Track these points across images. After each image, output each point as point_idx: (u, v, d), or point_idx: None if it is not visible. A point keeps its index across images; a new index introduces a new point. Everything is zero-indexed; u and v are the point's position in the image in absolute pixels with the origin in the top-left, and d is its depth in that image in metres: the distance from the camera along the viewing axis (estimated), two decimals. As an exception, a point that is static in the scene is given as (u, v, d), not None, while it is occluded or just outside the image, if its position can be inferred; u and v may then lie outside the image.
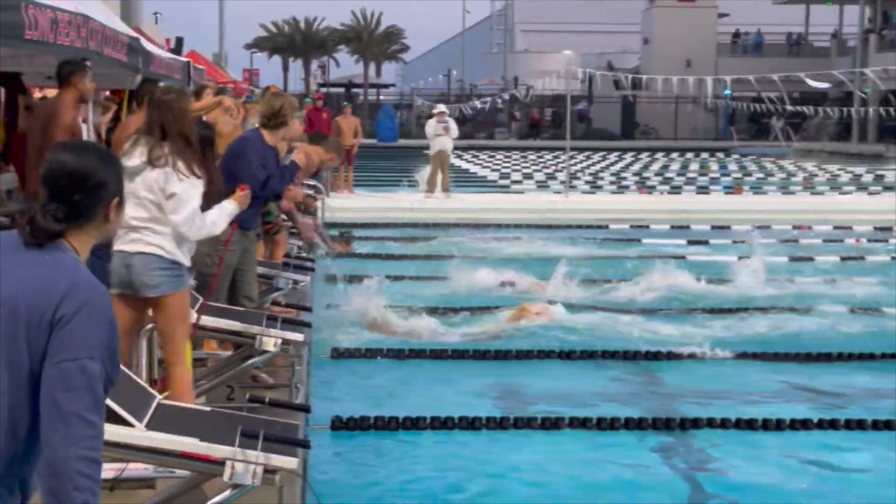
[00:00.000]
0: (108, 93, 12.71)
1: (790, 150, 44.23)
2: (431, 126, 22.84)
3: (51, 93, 13.68)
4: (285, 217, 10.69)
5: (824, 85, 36.55)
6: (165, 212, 5.73)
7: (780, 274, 14.67)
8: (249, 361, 6.93)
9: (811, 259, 16.39)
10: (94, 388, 2.77)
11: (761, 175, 33.26)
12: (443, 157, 22.64)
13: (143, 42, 11.13)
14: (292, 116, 8.43)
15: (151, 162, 5.72)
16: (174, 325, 5.87)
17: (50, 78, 12.15)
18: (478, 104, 48.34)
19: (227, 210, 6.08)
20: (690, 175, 32.98)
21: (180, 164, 5.73)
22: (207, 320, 6.82)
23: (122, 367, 4.80)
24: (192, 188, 5.73)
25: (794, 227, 19.97)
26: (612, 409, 8.31)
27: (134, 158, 5.80)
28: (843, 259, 16.51)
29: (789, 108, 38.61)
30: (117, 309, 5.85)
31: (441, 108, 24.14)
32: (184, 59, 15.69)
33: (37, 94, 12.34)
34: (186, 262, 5.87)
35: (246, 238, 7.72)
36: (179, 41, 26.22)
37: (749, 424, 8.00)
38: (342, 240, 16.64)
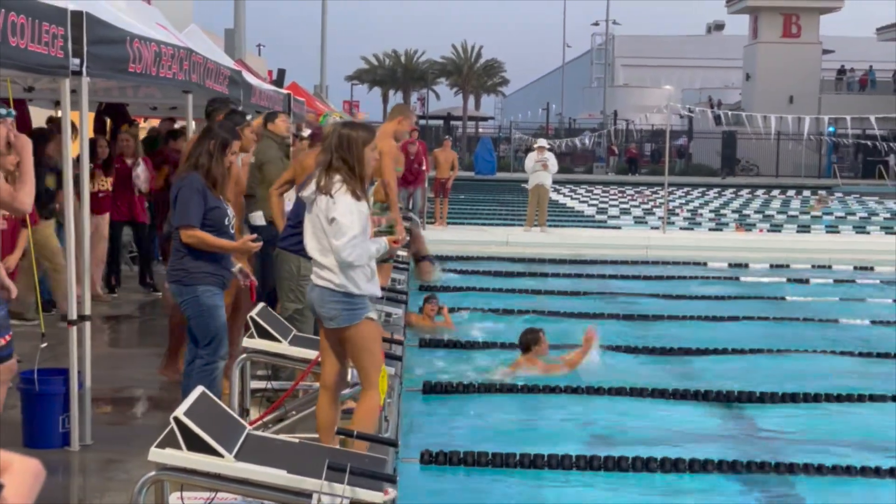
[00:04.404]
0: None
1: (896, 189, 43.23)
2: (531, 161, 22.71)
3: (153, 122, 14.00)
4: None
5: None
6: (329, 238, 5.76)
7: (884, 316, 14.29)
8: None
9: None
10: None
11: (864, 214, 32.54)
12: (541, 192, 22.43)
13: (245, 74, 11.33)
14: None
15: (319, 189, 5.81)
16: (358, 355, 5.92)
17: (154, 109, 12.46)
18: (569, 142, 48.43)
19: (382, 246, 6.00)
20: (792, 213, 32.40)
21: (342, 188, 5.76)
22: (296, 351, 6.89)
23: (213, 396, 4.86)
24: (350, 213, 5.71)
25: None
26: (707, 451, 8.12)
27: (309, 189, 5.92)
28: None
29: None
30: (323, 338, 5.93)
31: (542, 142, 23.93)
32: (284, 91, 15.94)
33: (142, 125, 12.63)
34: (361, 290, 5.79)
35: None
36: (281, 73, 26.66)
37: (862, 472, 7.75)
38: (426, 262, 16.59)
